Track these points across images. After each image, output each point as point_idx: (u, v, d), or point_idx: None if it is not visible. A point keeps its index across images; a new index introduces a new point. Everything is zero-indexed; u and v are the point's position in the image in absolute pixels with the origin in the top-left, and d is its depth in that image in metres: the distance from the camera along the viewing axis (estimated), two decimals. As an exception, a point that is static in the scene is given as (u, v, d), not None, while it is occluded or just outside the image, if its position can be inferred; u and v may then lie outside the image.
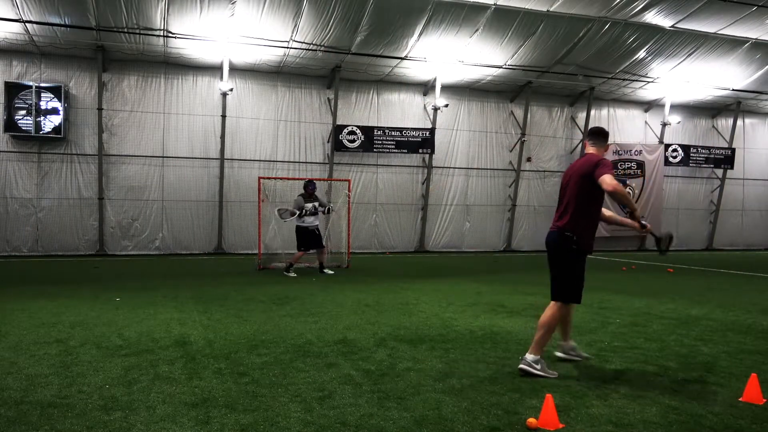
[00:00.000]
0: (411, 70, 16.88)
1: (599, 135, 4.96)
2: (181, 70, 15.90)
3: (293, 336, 5.80)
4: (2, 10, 12.92)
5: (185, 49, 14.94)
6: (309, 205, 11.40)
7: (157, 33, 14.04)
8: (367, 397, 3.92)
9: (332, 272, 11.60)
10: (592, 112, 19.49)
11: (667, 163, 20.40)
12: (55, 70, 14.99)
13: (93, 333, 5.83)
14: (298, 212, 11.34)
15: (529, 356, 4.51)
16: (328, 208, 11.79)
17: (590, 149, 4.93)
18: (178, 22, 13.84)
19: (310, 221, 11.48)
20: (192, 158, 16.10)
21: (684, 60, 17.25)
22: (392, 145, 17.29)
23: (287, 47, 15.02)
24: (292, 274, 11.23)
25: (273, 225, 13.68)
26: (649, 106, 20.47)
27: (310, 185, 11.62)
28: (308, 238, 11.48)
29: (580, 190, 4.65)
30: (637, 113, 20.66)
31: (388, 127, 17.31)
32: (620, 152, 19.75)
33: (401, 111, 17.86)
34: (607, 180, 4.43)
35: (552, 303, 4.66)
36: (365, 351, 5.22)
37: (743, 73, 18.35)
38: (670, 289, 9.89)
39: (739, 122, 21.57)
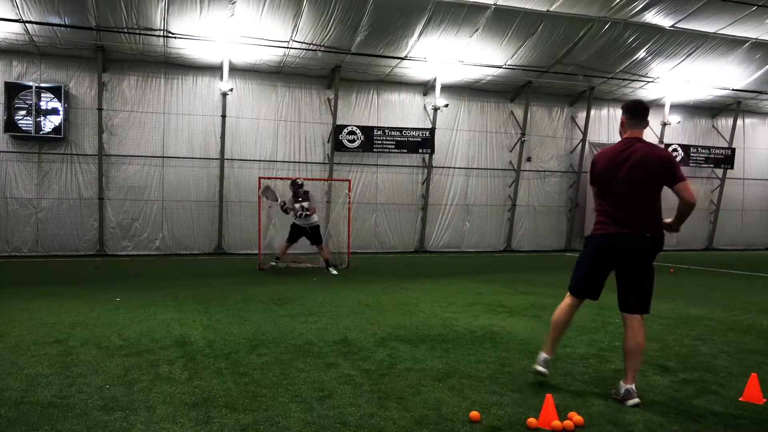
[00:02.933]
0: (411, 70, 16.88)
1: (642, 113, 4.11)
2: (181, 70, 15.90)
3: (293, 336, 5.80)
4: (2, 10, 12.92)
5: (185, 49, 14.94)
6: (297, 206, 11.68)
7: (157, 33, 14.04)
8: (367, 397, 3.92)
9: (336, 273, 11.64)
10: (592, 112, 19.49)
11: (667, 162, 20.37)
12: (55, 70, 14.99)
13: (93, 333, 5.83)
14: (282, 204, 11.80)
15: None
16: (307, 213, 11.83)
17: (634, 132, 4.07)
18: (178, 22, 13.84)
19: (302, 221, 11.74)
20: (192, 158, 16.11)
21: (684, 60, 17.25)
22: (392, 145, 17.30)
23: (287, 47, 15.02)
24: (273, 263, 11.66)
25: (273, 225, 13.69)
26: (649, 106, 20.44)
27: (293, 185, 11.90)
28: (297, 234, 11.86)
29: (652, 186, 3.93)
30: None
31: (388, 127, 17.32)
32: (620, 152, 19.73)
33: (401, 111, 17.86)
34: (691, 192, 3.85)
35: (640, 318, 3.94)
36: (365, 351, 5.22)
37: (743, 73, 18.35)
38: (670, 289, 9.88)
39: (739, 122, 21.56)
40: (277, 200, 11.79)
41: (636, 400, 3.82)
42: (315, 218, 11.81)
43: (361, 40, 14.98)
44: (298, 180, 12.03)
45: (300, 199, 11.67)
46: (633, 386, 3.87)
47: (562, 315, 4.32)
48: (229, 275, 11.28)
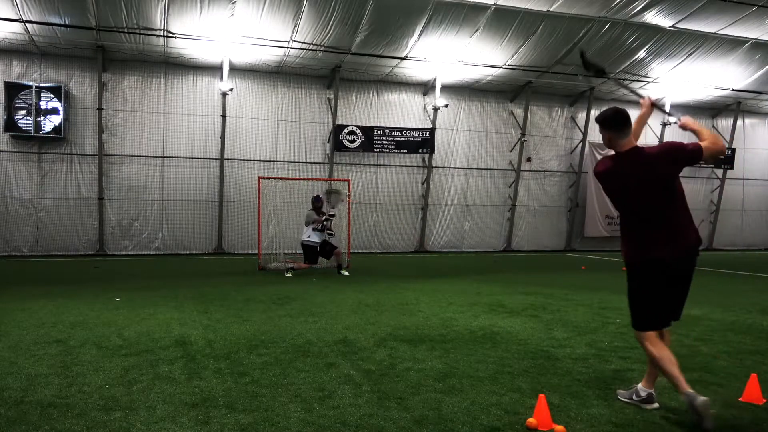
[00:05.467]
0: (411, 70, 16.88)
1: (626, 122, 3.76)
2: (181, 70, 15.90)
3: (293, 336, 5.79)
4: (2, 10, 12.92)
5: (185, 49, 14.94)
6: (322, 219, 11.42)
7: (157, 33, 14.04)
8: (367, 397, 3.92)
9: (347, 273, 11.48)
10: (592, 112, 19.48)
11: (667, 163, 20.41)
12: (55, 70, 14.99)
13: (93, 333, 5.83)
14: (321, 222, 11.40)
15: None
16: (329, 233, 11.72)
17: (624, 142, 3.75)
18: (178, 22, 13.84)
19: (319, 237, 11.41)
20: (192, 158, 16.11)
21: (684, 60, 17.26)
22: (392, 145, 17.30)
23: (287, 47, 15.03)
24: (288, 275, 11.14)
25: (273, 225, 13.68)
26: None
27: (317, 201, 11.63)
28: (314, 254, 11.47)
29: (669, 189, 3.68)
30: (637, 113, 20.50)
31: (388, 127, 17.32)
32: (620, 152, 19.74)
33: (401, 111, 17.87)
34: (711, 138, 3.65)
35: None
36: (365, 351, 5.21)
37: (743, 73, 18.35)
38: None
39: (739, 122, 21.57)
40: (335, 209, 11.49)
41: (657, 404, 3.82)
42: (322, 237, 11.56)
43: (361, 40, 14.98)
44: (320, 196, 11.92)
45: (327, 216, 11.53)
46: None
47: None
48: (229, 275, 11.27)
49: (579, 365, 4.83)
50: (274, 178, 14.16)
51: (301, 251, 11.64)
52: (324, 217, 11.41)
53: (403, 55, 15.86)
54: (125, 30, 13.88)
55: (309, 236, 11.37)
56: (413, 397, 3.93)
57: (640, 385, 3.89)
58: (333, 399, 3.88)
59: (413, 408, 3.73)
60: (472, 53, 16.12)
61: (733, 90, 19.23)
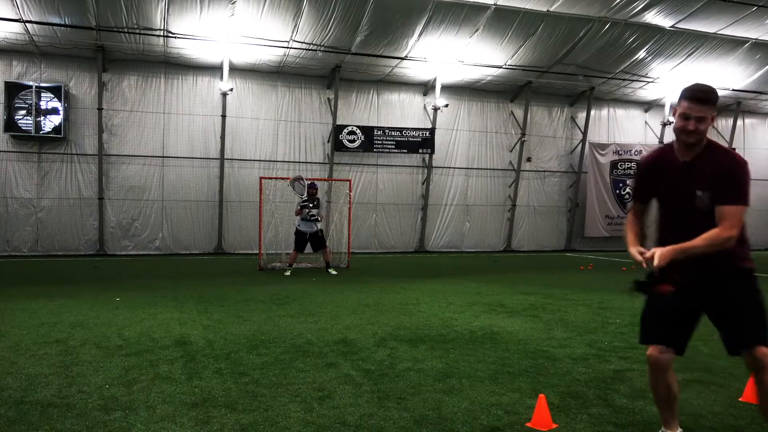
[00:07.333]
0: (411, 70, 16.88)
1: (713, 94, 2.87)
2: (181, 70, 15.90)
3: (293, 336, 5.80)
4: (2, 10, 12.92)
5: (185, 49, 14.95)
6: (306, 211, 11.60)
7: (157, 33, 14.04)
8: (367, 397, 3.92)
9: (335, 273, 11.68)
10: (592, 112, 19.49)
11: (667, 163, 20.42)
12: (55, 70, 14.99)
13: (93, 333, 5.83)
14: (300, 200, 11.69)
15: None
16: (316, 219, 11.84)
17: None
18: (178, 22, 13.84)
19: (307, 227, 11.63)
20: (192, 158, 16.10)
21: (684, 60, 17.25)
22: (392, 145, 17.30)
23: (287, 47, 15.03)
24: (287, 273, 11.44)
25: (273, 225, 13.69)
26: (649, 106, 20.46)
27: (311, 187, 11.75)
28: (304, 242, 11.76)
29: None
30: (637, 113, 20.66)
31: (388, 127, 17.31)
32: (620, 152, 19.75)
33: (401, 111, 17.87)
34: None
35: None
36: (365, 351, 5.21)
37: (743, 73, 18.35)
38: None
39: (739, 122, 21.56)
40: (303, 195, 11.71)
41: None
42: (318, 224, 11.80)
43: (361, 40, 14.98)
44: (315, 183, 12.06)
45: (313, 204, 11.67)
46: None
47: None
48: (229, 275, 11.27)
49: (579, 365, 4.83)
50: (276, 178, 14.16)
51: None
52: (299, 207, 11.64)
53: (403, 55, 15.86)
54: (125, 30, 13.87)
55: (298, 224, 11.78)
56: (413, 397, 3.93)
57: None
58: (333, 399, 3.88)
59: (413, 408, 3.73)
60: (472, 53, 16.11)
61: (733, 90, 19.22)
